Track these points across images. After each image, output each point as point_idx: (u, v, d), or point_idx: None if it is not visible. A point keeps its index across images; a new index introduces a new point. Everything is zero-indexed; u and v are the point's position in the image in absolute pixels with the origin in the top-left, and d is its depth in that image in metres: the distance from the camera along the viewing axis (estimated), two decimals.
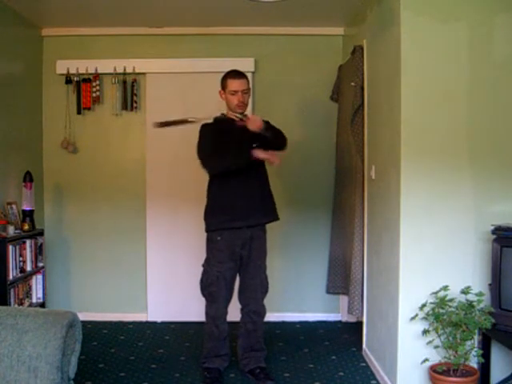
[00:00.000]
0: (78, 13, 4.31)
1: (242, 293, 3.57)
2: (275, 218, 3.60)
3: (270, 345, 4.04)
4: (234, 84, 3.43)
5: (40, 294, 4.21)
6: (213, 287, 3.46)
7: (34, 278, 4.16)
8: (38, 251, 4.19)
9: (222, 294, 3.46)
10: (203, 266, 3.54)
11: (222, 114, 3.56)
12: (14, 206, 4.14)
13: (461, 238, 3.09)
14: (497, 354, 3.07)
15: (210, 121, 3.52)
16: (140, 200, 4.82)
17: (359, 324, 4.18)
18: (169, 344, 4.24)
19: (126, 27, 4.68)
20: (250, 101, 4.57)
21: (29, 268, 4.02)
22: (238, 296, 3.59)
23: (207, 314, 3.53)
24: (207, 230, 3.51)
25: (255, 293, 3.54)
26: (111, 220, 4.84)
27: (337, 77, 4.68)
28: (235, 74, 3.46)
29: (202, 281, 3.53)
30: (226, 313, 3.52)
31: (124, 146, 4.86)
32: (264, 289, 3.58)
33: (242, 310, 3.59)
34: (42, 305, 4.21)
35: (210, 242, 3.51)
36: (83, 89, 4.72)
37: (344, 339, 4.35)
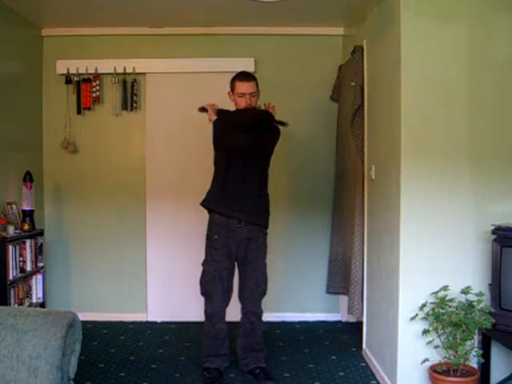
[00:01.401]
0: (78, 13, 4.31)
1: (241, 293, 3.58)
2: (263, 223, 3.56)
3: (270, 345, 4.04)
4: (243, 87, 3.45)
5: (40, 294, 4.21)
6: (208, 285, 3.49)
7: (34, 278, 4.15)
8: (38, 251, 4.19)
9: (217, 293, 3.48)
10: (202, 265, 3.56)
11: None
12: (13, 206, 4.14)
13: (461, 238, 3.09)
14: (497, 354, 3.07)
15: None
16: (140, 200, 4.82)
17: (359, 324, 4.18)
18: (169, 344, 4.24)
19: (125, 27, 4.68)
20: None
21: (29, 268, 4.02)
22: (237, 296, 3.59)
23: (205, 312, 3.56)
24: (201, 203, 3.56)
25: (251, 294, 3.54)
26: (111, 220, 4.84)
27: (337, 77, 4.68)
28: (243, 77, 3.48)
29: (200, 280, 3.56)
30: (222, 312, 3.52)
31: (124, 146, 4.86)
32: (260, 289, 3.57)
33: (241, 309, 3.59)
34: (42, 305, 4.21)
35: (207, 241, 3.55)
36: (83, 89, 4.71)
37: (344, 339, 4.35)
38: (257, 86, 3.52)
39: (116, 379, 3.51)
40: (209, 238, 3.54)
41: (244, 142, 3.40)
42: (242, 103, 3.46)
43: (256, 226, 3.52)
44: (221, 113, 3.52)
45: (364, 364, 3.80)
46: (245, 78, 3.47)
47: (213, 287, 3.48)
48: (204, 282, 3.52)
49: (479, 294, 2.93)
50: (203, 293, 3.54)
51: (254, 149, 3.44)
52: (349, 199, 4.35)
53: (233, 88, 3.51)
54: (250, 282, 3.53)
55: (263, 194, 3.58)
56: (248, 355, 3.57)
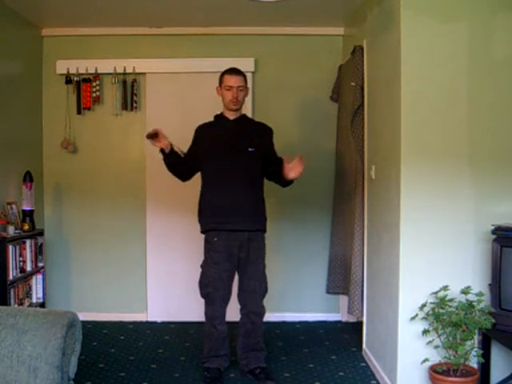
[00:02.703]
0: (78, 13, 4.32)
1: (241, 293, 3.57)
2: (262, 228, 3.58)
3: (270, 345, 4.04)
4: (231, 80, 3.47)
5: (40, 294, 4.21)
6: (210, 288, 3.47)
7: (33, 278, 4.16)
8: (38, 251, 4.19)
9: (218, 295, 3.47)
10: (201, 267, 3.55)
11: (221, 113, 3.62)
12: (13, 206, 4.14)
13: (461, 237, 3.09)
14: (497, 354, 3.07)
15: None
16: (140, 200, 4.82)
17: (359, 324, 4.18)
18: (169, 344, 4.24)
19: (126, 27, 4.68)
20: (250, 100, 4.60)
21: (29, 268, 4.02)
22: (237, 296, 3.59)
23: (206, 314, 3.54)
24: (201, 231, 3.57)
25: (253, 293, 3.53)
26: (111, 220, 4.84)
27: (337, 77, 4.68)
28: (232, 71, 3.52)
29: (200, 282, 3.55)
30: (223, 314, 3.52)
31: (124, 146, 4.85)
32: (262, 289, 3.57)
33: (241, 310, 3.58)
34: (42, 305, 4.21)
35: (206, 243, 3.53)
36: (83, 89, 4.72)
37: (344, 339, 4.35)
38: (245, 82, 3.53)
39: (116, 379, 3.51)
40: (208, 240, 3.51)
41: (232, 160, 3.49)
42: (229, 96, 3.47)
43: (254, 231, 3.53)
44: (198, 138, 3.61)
45: (364, 364, 3.80)
46: (233, 72, 3.50)
47: (214, 290, 3.46)
48: (204, 285, 3.50)
49: (479, 294, 2.93)
50: (204, 295, 3.52)
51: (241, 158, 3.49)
52: (349, 199, 4.35)
53: (221, 82, 3.53)
54: (252, 281, 3.52)
55: (258, 200, 3.57)
56: (248, 355, 3.57)
